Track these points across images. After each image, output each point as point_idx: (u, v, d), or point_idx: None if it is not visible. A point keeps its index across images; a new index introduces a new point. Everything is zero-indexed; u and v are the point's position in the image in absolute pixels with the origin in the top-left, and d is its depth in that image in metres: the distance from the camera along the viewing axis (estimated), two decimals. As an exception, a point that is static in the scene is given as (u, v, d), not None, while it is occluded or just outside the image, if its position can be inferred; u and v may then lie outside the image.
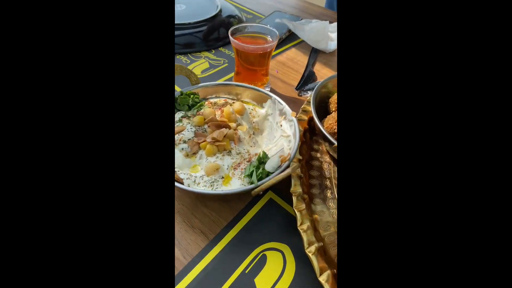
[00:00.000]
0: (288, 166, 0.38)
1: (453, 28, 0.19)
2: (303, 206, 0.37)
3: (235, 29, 0.54)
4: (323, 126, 0.45)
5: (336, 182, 0.44)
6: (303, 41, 0.77)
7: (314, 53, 0.74)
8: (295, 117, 0.43)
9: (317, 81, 0.62)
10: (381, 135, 0.20)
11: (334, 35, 0.76)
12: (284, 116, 0.45)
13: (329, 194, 0.43)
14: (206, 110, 0.44)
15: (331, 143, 0.42)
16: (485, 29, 0.19)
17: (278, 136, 0.46)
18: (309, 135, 0.49)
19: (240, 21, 0.82)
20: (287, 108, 0.45)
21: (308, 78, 0.62)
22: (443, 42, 0.19)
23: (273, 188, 0.42)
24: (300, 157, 0.44)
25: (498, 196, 0.17)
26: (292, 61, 0.70)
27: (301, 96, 0.59)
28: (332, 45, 0.74)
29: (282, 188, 0.42)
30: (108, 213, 0.20)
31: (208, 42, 0.73)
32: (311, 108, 0.45)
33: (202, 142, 0.40)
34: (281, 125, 0.45)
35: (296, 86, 0.60)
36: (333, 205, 0.42)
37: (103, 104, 0.20)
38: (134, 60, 0.21)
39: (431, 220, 0.18)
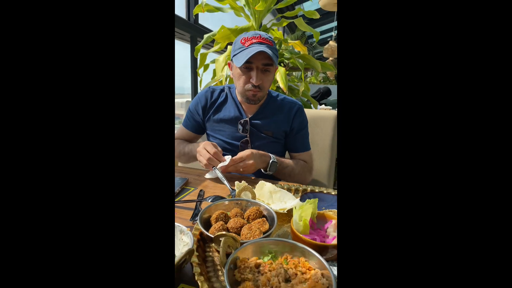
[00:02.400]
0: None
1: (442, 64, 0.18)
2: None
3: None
4: (207, 232, 0.75)
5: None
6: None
7: (201, 192, 1.10)
8: (190, 231, 0.72)
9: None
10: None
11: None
12: (183, 232, 0.73)
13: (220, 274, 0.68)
14: None
15: (211, 241, 0.71)
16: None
17: (181, 246, 0.72)
18: (202, 243, 0.77)
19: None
20: (183, 227, 0.74)
21: (198, 211, 0.94)
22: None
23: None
24: (197, 253, 0.70)
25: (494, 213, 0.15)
26: (185, 204, 1.03)
27: (194, 223, 0.89)
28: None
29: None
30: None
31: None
32: (199, 226, 0.76)
33: None
34: (182, 239, 0.72)
35: (190, 218, 0.91)
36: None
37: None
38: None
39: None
